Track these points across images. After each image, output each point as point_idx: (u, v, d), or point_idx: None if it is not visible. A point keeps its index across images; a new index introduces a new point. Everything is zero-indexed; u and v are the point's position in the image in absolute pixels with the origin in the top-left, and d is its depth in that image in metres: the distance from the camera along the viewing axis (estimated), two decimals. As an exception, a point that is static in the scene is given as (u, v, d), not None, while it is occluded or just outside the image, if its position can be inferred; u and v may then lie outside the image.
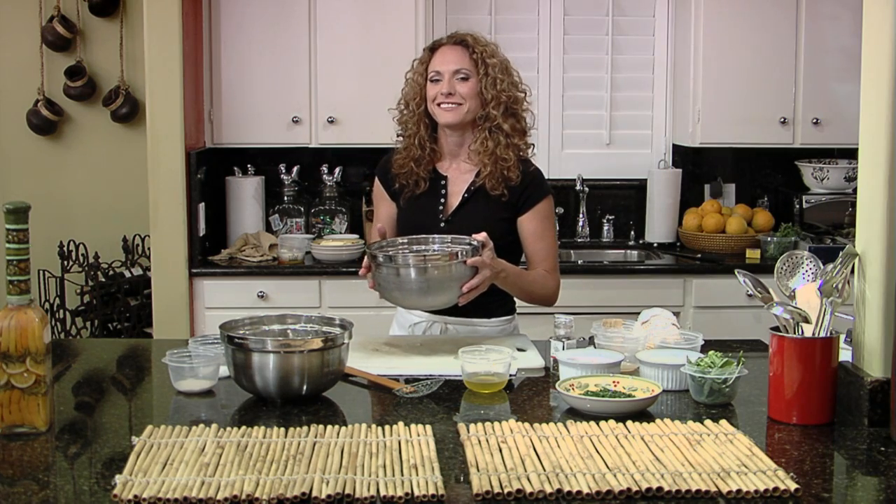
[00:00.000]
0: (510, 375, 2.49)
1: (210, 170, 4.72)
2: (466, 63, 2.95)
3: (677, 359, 2.42)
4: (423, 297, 2.68)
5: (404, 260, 2.68)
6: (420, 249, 2.84)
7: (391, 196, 3.06)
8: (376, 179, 3.11)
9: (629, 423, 2.11)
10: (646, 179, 5.01)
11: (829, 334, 2.20)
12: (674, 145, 5.06)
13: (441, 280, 2.65)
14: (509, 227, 2.96)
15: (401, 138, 3.07)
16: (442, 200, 3.00)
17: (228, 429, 2.08)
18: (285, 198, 4.93)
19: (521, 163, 2.96)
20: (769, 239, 4.64)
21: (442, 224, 2.97)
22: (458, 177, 3.02)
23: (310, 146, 4.77)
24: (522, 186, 2.94)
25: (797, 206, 4.87)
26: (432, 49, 3.02)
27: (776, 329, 2.25)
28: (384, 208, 3.08)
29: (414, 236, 2.89)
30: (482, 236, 2.71)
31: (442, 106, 2.93)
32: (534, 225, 2.96)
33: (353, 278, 4.46)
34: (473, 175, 2.99)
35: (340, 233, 4.91)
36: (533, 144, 3.05)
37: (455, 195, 3.00)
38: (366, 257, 2.75)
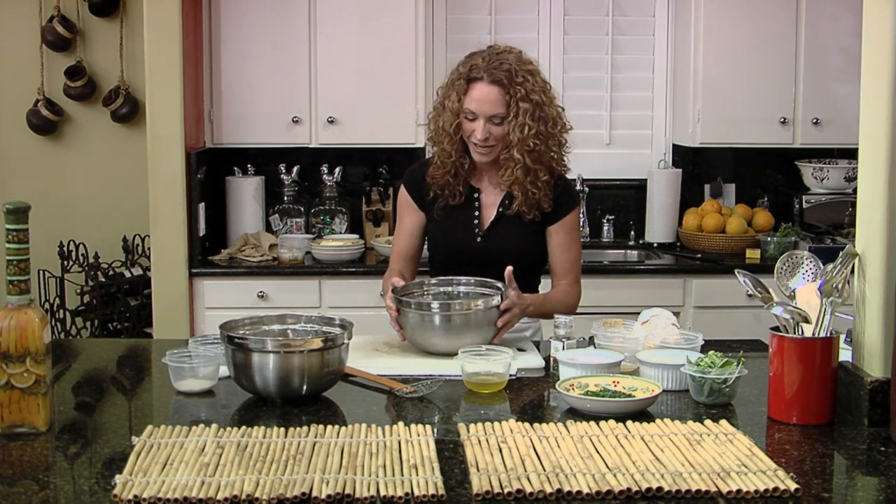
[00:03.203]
0: (510, 375, 2.49)
1: (210, 170, 4.72)
2: (501, 108, 2.87)
3: (677, 359, 2.42)
4: (449, 341, 2.68)
5: (429, 307, 2.71)
6: (447, 291, 2.88)
7: (421, 206, 3.04)
8: (403, 189, 3.08)
9: (629, 423, 2.11)
10: (646, 179, 5.01)
11: (829, 334, 2.20)
12: (674, 145, 5.06)
13: (466, 326, 2.69)
14: (542, 237, 2.99)
15: (432, 143, 3.02)
16: (476, 213, 3.00)
17: (228, 429, 2.08)
18: (285, 198, 4.93)
19: (552, 184, 2.95)
20: (769, 239, 4.64)
21: (478, 239, 2.98)
22: (491, 189, 3.02)
23: (310, 146, 4.77)
24: (553, 201, 2.96)
25: (797, 206, 4.87)
26: (469, 80, 2.90)
27: (776, 329, 2.25)
28: (410, 219, 3.05)
29: (440, 278, 2.92)
30: (508, 273, 2.74)
31: (478, 148, 2.92)
32: (561, 237, 2.98)
33: (353, 278, 4.47)
34: (505, 188, 2.99)
35: (340, 233, 4.91)
36: (570, 168, 3.03)
37: (489, 207, 3.01)
38: (388, 299, 2.78)
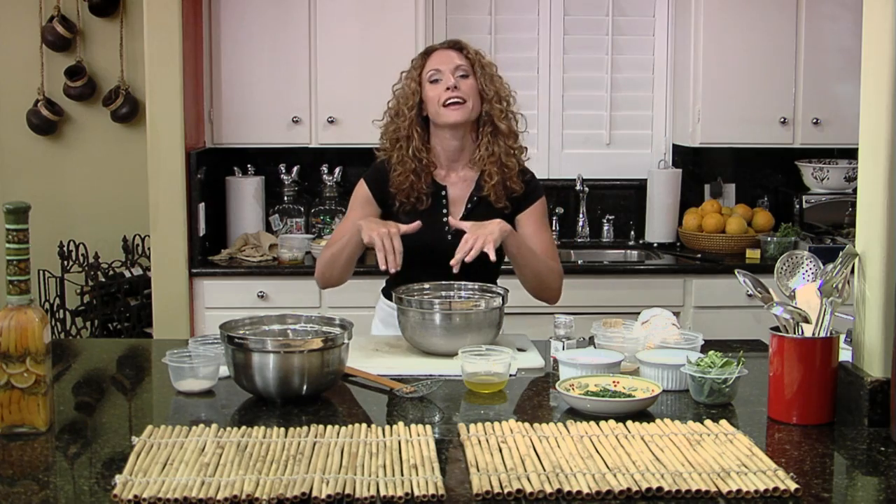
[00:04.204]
0: (510, 375, 2.49)
1: (210, 170, 4.72)
2: (464, 62, 2.97)
3: (677, 359, 2.42)
4: (449, 341, 2.69)
5: (430, 305, 2.72)
6: (447, 295, 2.87)
7: (381, 205, 3.00)
8: (363, 184, 3.02)
9: (629, 423, 2.11)
10: (646, 179, 5.01)
11: (829, 334, 2.20)
12: (674, 145, 5.06)
13: (466, 326, 2.69)
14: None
15: (382, 153, 3.01)
16: (444, 212, 2.99)
17: (228, 429, 2.08)
18: (285, 198, 4.93)
19: (520, 172, 2.98)
20: (769, 239, 4.64)
21: (449, 237, 2.95)
22: (458, 184, 3.01)
23: (310, 146, 4.77)
24: (521, 192, 2.98)
25: (797, 206, 4.87)
26: (426, 53, 3.02)
27: (776, 329, 2.25)
28: (365, 213, 2.97)
29: (440, 282, 2.89)
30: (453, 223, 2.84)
31: (448, 104, 2.92)
32: (533, 220, 2.99)
33: (353, 278, 4.44)
34: (473, 183, 2.99)
35: (340, 233, 4.90)
36: (526, 148, 3.05)
37: (457, 204, 3.00)
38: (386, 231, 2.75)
